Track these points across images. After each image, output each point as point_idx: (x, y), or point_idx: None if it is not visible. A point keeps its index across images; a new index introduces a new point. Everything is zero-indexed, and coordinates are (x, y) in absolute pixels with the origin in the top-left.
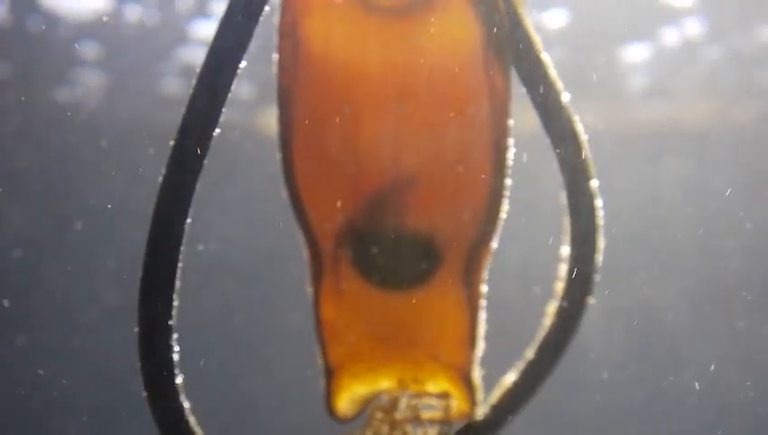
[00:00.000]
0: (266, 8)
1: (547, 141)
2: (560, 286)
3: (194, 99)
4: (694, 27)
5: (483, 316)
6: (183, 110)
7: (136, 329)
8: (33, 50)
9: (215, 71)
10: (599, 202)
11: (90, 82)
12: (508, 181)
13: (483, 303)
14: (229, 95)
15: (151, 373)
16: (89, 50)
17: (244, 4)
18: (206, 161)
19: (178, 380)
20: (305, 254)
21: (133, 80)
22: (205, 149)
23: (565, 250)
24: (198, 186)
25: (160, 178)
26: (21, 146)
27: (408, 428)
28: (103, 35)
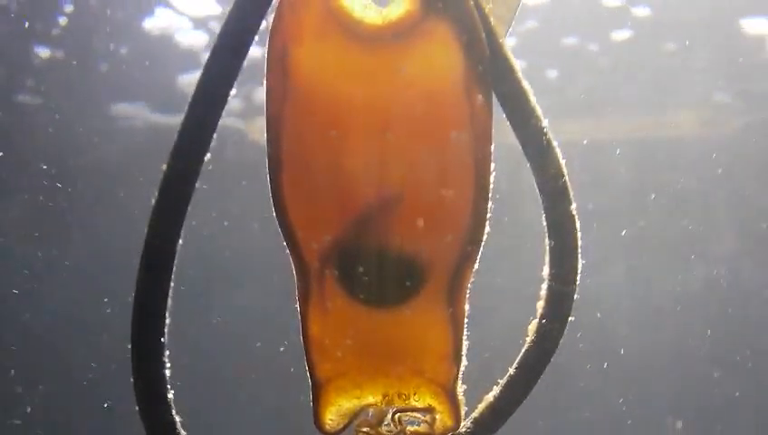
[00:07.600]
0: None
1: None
2: (540, 305)
3: (190, 110)
4: None
5: (465, 333)
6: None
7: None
8: None
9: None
10: (578, 224)
11: None
12: (489, 203)
13: (465, 320)
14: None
15: (143, 389)
16: None
17: (237, 30)
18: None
19: (170, 394)
20: (294, 273)
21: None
22: (201, 160)
23: (546, 270)
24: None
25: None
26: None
27: None
28: None
